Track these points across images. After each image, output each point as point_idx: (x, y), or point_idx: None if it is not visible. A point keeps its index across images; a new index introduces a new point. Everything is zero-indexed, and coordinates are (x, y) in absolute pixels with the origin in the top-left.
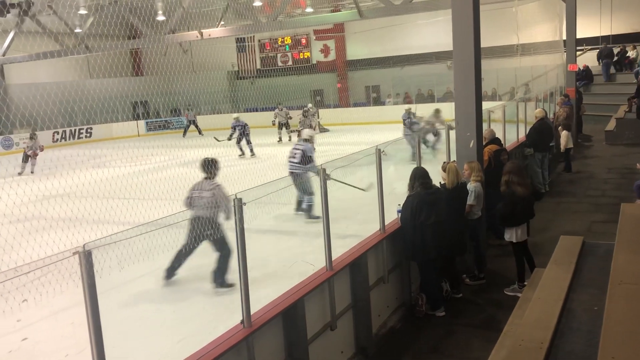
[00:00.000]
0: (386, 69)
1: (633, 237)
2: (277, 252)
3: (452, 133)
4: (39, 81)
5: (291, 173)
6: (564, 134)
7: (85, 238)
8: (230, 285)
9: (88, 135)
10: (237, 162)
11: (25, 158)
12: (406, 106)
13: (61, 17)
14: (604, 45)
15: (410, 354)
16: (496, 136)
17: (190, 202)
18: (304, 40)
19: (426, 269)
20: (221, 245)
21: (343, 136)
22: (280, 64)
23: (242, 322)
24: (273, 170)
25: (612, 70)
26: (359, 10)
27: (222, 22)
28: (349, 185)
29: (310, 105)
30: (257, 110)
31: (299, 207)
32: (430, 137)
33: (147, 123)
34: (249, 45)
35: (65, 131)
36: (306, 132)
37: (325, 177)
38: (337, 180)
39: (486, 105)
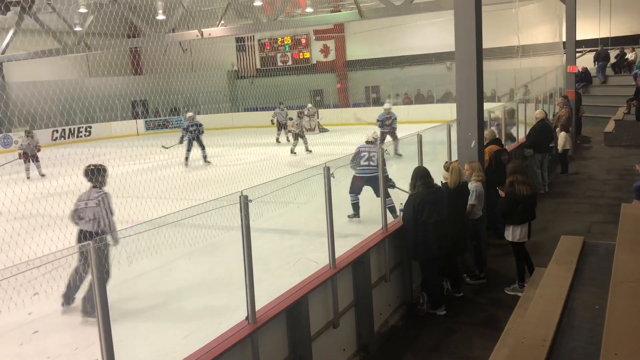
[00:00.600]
0: (386, 70)
1: (634, 237)
2: (280, 250)
3: (454, 133)
4: (38, 79)
5: (368, 178)
6: (561, 135)
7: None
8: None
9: (87, 134)
10: (211, 166)
11: (26, 159)
12: (386, 106)
13: (61, 15)
14: (600, 47)
15: (412, 352)
16: (497, 137)
17: (76, 215)
18: (303, 40)
19: (427, 267)
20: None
21: (343, 136)
22: (280, 63)
23: (246, 318)
24: (274, 170)
25: (610, 72)
26: (359, 11)
27: (222, 22)
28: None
29: (310, 105)
30: (256, 110)
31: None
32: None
33: (146, 122)
34: (248, 44)
35: (64, 130)
36: (370, 135)
37: (329, 174)
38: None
39: (485, 106)
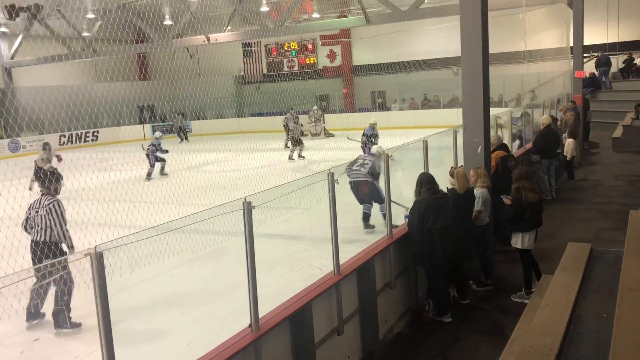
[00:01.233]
0: (392, 75)
1: None
2: (284, 256)
3: (460, 138)
4: (46, 84)
5: (357, 183)
6: (569, 142)
7: (91, 241)
8: (77, 325)
9: (94, 138)
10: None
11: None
12: (372, 121)
13: (69, 21)
14: (600, 53)
15: None
16: (503, 142)
17: (27, 225)
18: (310, 46)
19: (433, 274)
20: (62, 278)
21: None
22: (286, 69)
23: (250, 325)
24: (279, 176)
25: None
26: (365, 16)
27: (228, 27)
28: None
29: (315, 107)
30: (262, 115)
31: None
32: None
33: (153, 127)
34: (255, 50)
35: (71, 134)
36: (375, 148)
37: (333, 180)
38: (396, 202)
39: (492, 111)
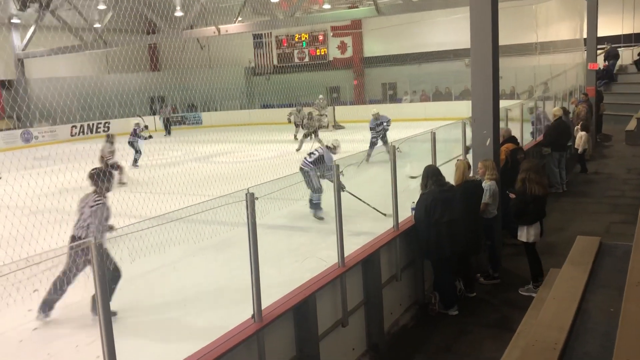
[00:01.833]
0: (403, 66)
1: None
2: (289, 248)
3: (468, 131)
4: (58, 75)
5: (301, 169)
6: (580, 135)
7: None
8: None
9: (106, 129)
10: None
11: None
12: (373, 112)
13: (80, 12)
14: (609, 45)
15: (423, 353)
16: (512, 134)
17: (78, 217)
18: (321, 37)
19: (440, 267)
20: (110, 271)
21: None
22: (296, 60)
23: (252, 316)
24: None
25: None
26: (376, 7)
27: (239, 18)
28: (369, 205)
29: (321, 96)
30: (273, 107)
31: (311, 205)
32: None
33: (162, 119)
34: (265, 41)
35: (83, 125)
36: (332, 141)
37: (338, 173)
38: (360, 199)
39: (503, 103)
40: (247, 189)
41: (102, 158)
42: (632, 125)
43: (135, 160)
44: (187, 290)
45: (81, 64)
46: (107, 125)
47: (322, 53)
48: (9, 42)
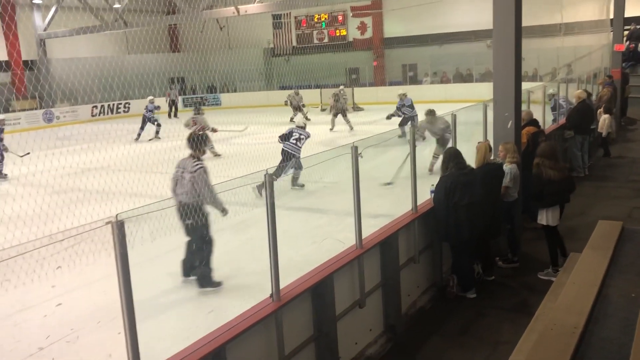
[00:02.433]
0: (424, 47)
1: None
2: (307, 229)
3: (490, 113)
4: (79, 56)
5: (292, 155)
6: (604, 117)
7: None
8: (218, 284)
9: (126, 110)
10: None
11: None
12: (400, 92)
13: None
14: (633, 26)
15: (440, 335)
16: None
17: (174, 185)
18: (340, 18)
19: (458, 250)
20: (203, 239)
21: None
22: (316, 41)
23: (271, 296)
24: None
25: None
26: None
27: None
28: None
29: (342, 86)
30: (292, 88)
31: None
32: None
33: (183, 99)
34: (285, 22)
35: (103, 106)
36: (299, 119)
37: (357, 154)
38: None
39: (526, 85)
40: (266, 170)
41: (195, 125)
42: None
43: (157, 133)
44: None
45: (102, 44)
46: (127, 105)
47: (342, 34)
48: (31, 22)
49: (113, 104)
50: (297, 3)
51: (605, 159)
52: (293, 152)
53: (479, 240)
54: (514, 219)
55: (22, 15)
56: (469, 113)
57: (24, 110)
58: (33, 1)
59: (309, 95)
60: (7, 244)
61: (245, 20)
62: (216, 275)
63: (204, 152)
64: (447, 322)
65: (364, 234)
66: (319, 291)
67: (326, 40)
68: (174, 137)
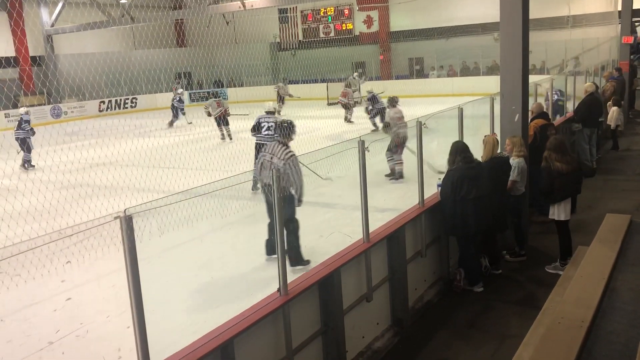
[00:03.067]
0: (430, 41)
1: None
2: (314, 223)
3: (497, 106)
4: (86, 51)
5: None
6: (613, 110)
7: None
8: (307, 262)
9: (133, 105)
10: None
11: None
12: (368, 87)
13: None
14: None
15: (447, 328)
16: (544, 110)
17: (261, 166)
18: (346, 11)
19: (465, 244)
20: (291, 220)
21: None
22: (322, 35)
23: (278, 290)
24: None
25: None
26: None
27: None
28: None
29: (355, 74)
30: (298, 83)
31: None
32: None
33: (190, 94)
34: (291, 16)
35: (110, 101)
36: (270, 105)
37: (363, 148)
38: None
39: (533, 78)
40: (272, 165)
41: (220, 107)
42: None
43: (172, 122)
44: (213, 263)
45: (109, 39)
46: (134, 100)
47: (348, 28)
48: (39, 19)
49: (120, 99)
50: None
51: (613, 151)
52: (264, 142)
53: (485, 234)
54: (521, 213)
55: (30, 11)
56: (475, 106)
57: (32, 105)
58: None
59: (316, 90)
60: (17, 239)
61: (251, 14)
62: (224, 268)
63: (291, 139)
64: (454, 315)
65: (371, 228)
66: (326, 285)
67: (332, 34)
68: (181, 132)
